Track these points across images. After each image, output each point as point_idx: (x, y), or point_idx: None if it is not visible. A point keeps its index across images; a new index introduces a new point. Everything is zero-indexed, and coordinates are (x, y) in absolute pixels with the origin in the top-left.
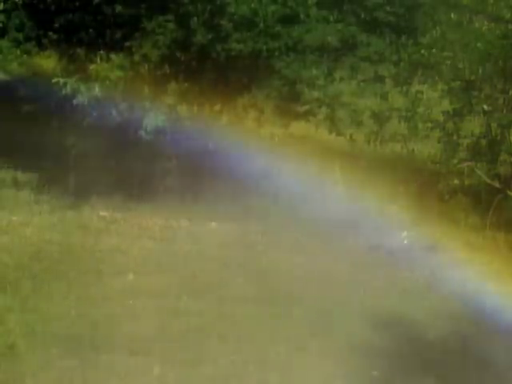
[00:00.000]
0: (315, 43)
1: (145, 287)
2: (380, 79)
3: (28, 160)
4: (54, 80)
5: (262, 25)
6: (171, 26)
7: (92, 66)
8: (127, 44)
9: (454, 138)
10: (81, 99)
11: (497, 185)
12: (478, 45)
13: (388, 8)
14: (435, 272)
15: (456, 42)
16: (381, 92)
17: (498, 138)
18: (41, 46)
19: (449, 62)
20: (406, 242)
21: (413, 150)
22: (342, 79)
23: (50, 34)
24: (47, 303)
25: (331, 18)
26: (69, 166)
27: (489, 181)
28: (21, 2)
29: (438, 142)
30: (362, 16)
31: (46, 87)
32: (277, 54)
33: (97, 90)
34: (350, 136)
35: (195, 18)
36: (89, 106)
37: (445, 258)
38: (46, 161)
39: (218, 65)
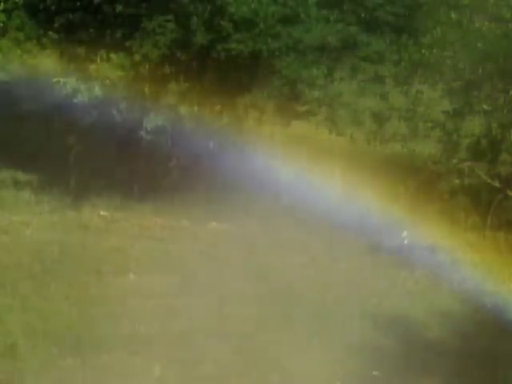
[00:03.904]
0: (315, 43)
1: (145, 287)
2: (380, 79)
3: (28, 160)
4: (55, 80)
5: (262, 25)
6: (171, 26)
7: (92, 66)
8: (127, 44)
9: (455, 137)
10: (81, 99)
11: (497, 184)
12: (479, 45)
13: (388, 8)
14: (435, 272)
15: (456, 42)
16: (381, 92)
17: (499, 137)
18: (41, 46)
19: (449, 62)
20: (406, 241)
21: (413, 149)
22: (342, 79)
23: (51, 33)
24: (48, 303)
25: (331, 18)
26: (69, 165)
27: (489, 181)
28: (21, 2)
29: (439, 142)
30: (363, 16)
31: (46, 87)
32: (277, 54)
33: (97, 89)
34: (351, 136)
35: (195, 18)
36: (89, 105)
37: (445, 257)
38: (46, 161)
39: (219, 65)
